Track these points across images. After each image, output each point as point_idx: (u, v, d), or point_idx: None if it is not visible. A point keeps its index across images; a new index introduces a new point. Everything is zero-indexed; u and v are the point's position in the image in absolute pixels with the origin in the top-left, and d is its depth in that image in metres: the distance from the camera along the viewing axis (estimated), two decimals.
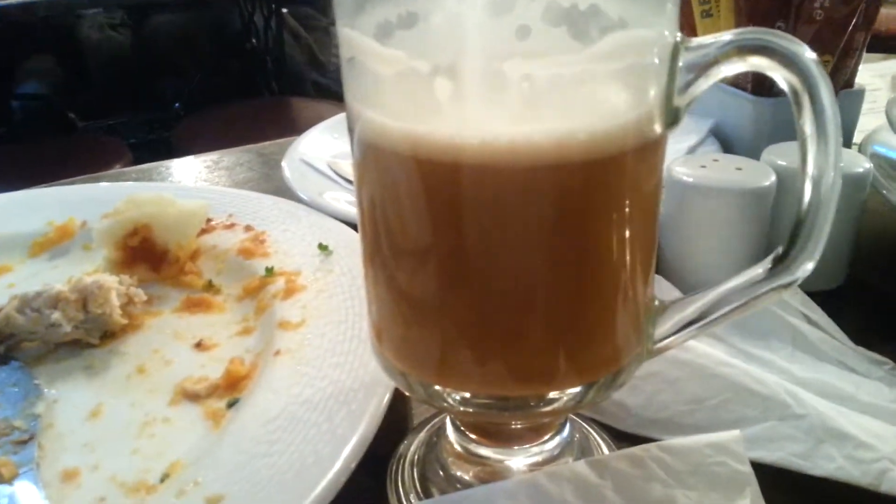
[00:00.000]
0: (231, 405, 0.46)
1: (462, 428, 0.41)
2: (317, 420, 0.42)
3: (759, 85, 0.71)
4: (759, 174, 0.54)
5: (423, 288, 0.34)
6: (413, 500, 0.40)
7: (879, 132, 0.70)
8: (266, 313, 0.55)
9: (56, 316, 0.52)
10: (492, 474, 0.40)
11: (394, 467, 0.42)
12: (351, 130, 0.34)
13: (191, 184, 0.89)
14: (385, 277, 0.35)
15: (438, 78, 0.29)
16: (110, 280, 0.55)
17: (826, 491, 0.40)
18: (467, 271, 0.32)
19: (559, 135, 0.29)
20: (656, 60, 0.31)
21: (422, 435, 0.44)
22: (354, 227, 0.63)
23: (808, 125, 0.30)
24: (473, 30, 0.29)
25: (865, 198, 0.56)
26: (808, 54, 0.29)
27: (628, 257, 0.34)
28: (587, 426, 0.45)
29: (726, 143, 0.76)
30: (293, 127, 1.21)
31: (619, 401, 0.45)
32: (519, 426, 0.40)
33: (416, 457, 0.43)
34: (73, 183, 0.84)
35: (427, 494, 0.40)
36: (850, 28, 0.68)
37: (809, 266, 0.32)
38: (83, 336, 0.54)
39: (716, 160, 0.56)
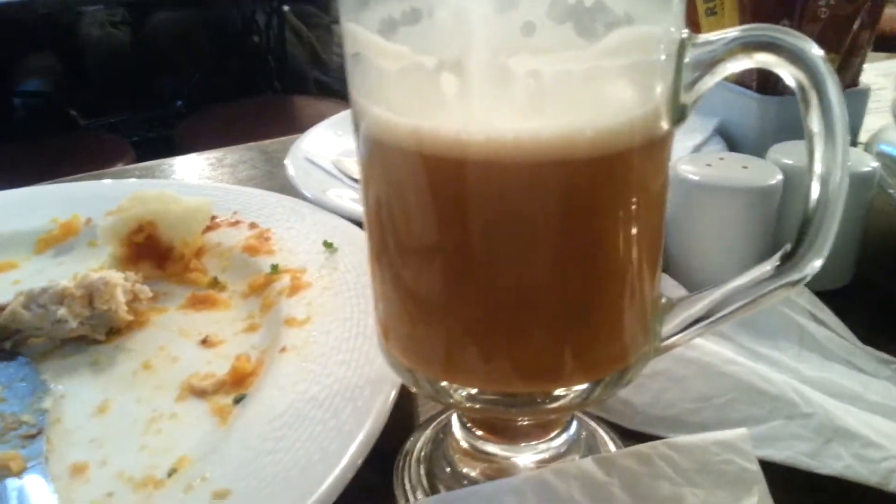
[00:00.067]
0: (237, 401, 0.47)
1: (469, 425, 0.41)
2: (323, 417, 0.42)
3: (765, 83, 0.71)
4: (765, 173, 0.54)
5: (429, 284, 0.34)
6: (420, 497, 0.40)
7: (885, 131, 0.70)
8: (272, 310, 0.55)
9: (62, 312, 0.52)
10: (498, 471, 0.40)
11: (400, 464, 0.42)
12: (356, 127, 0.34)
13: (194, 181, 0.89)
14: (391, 274, 0.35)
15: (444, 73, 0.29)
16: (116, 276, 0.55)
17: (834, 490, 0.39)
18: (473, 268, 0.32)
19: (566, 131, 0.29)
20: (663, 57, 0.31)
21: (428, 432, 0.44)
22: (359, 224, 0.63)
23: (815, 122, 0.30)
24: (479, 25, 0.29)
25: (872, 197, 0.56)
26: (816, 51, 0.29)
27: (635, 254, 0.34)
28: (594, 424, 0.45)
29: (731, 141, 0.76)
30: (295, 125, 1.21)
31: (626, 399, 0.45)
32: (526, 423, 0.40)
33: (422, 453, 0.43)
34: (76, 180, 0.84)
35: (433, 491, 0.40)
36: (855, 26, 0.68)
37: (818, 263, 0.32)
38: (89, 332, 0.54)
39: (721, 159, 0.56)
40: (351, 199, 0.71)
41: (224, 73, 2.94)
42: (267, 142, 0.99)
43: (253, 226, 0.66)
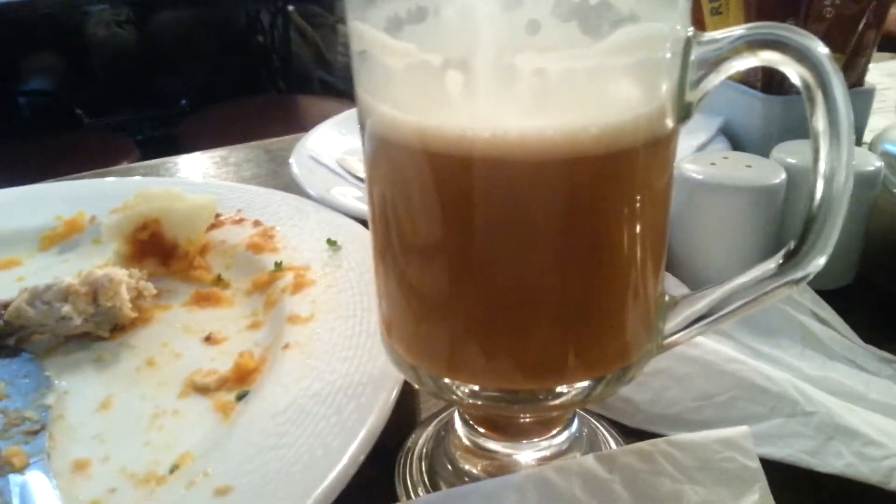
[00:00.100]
0: (240, 398, 0.47)
1: (470, 422, 0.41)
2: (325, 413, 0.42)
3: (769, 83, 0.71)
4: (769, 172, 0.54)
5: (433, 282, 0.34)
6: (421, 494, 0.40)
7: (890, 131, 0.70)
8: (275, 308, 0.55)
9: (66, 309, 0.53)
10: (500, 468, 0.40)
11: (402, 461, 0.42)
12: (362, 125, 0.34)
13: (199, 179, 0.89)
14: (396, 271, 0.36)
15: (450, 71, 0.29)
16: (120, 273, 0.55)
17: (835, 488, 0.40)
18: (478, 265, 0.32)
19: (571, 128, 0.29)
20: (668, 55, 0.31)
21: (430, 429, 0.44)
22: (363, 222, 0.63)
23: (820, 121, 0.30)
24: (484, 23, 0.29)
25: (875, 196, 0.56)
26: (821, 49, 0.29)
27: (639, 252, 0.34)
28: (595, 421, 0.45)
29: (735, 141, 0.76)
30: (299, 124, 1.21)
31: (627, 397, 0.45)
32: (527, 420, 0.40)
33: (424, 450, 0.43)
34: (81, 178, 0.84)
35: (435, 488, 0.40)
36: (861, 26, 0.68)
37: (821, 261, 0.32)
38: (93, 329, 0.54)
39: (725, 158, 0.56)
40: (355, 198, 0.71)
41: (228, 72, 2.94)
42: (271, 140, 0.99)
43: (257, 224, 0.66)
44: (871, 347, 0.49)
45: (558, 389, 0.34)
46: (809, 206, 0.31)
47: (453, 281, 0.33)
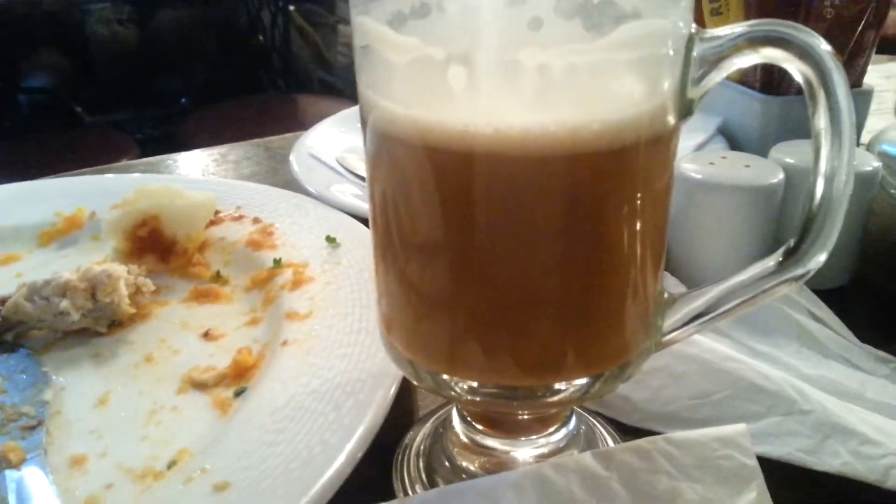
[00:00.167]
0: (238, 394, 0.47)
1: (468, 418, 0.41)
2: (324, 410, 0.42)
3: (768, 83, 0.71)
4: (767, 172, 0.54)
5: (433, 278, 0.34)
6: (418, 491, 0.40)
7: (887, 132, 0.70)
8: (274, 304, 0.55)
9: (64, 304, 0.52)
10: (498, 465, 0.40)
11: (400, 457, 0.42)
12: (364, 121, 0.34)
13: (199, 177, 0.89)
14: (396, 266, 0.36)
15: (452, 67, 0.29)
16: (119, 269, 0.55)
17: (832, 486, 0.40)
18: (478, 261, 0.32)
19: (573, 124, 0.29)
20: (671, 51, 0.31)
21: (428, 426, 0.44)
22: (362, 220, 0.63)
23: (822, 118, 0.30)
24: (487, 19, 0.29)
25: (872, 197, 0.56)
26: (824, 46, 0.29)
27: (639, 249, 0.34)
28: (593, 419, 0.45)
29: (734, 141, 0.76)
30: (299, 124, 1.21)
31: (625, 395, 0.45)
32: (525, 417, 0.40)
33: (422, 447, 0.43)
34: (80, 175, 0.84)
35: (433, 485, 0.40)
36: (860, 26, 0.68)
37: (821, 258, 0.32)
38: (91, 325, 0.54)
39: (724, 157, 0.56)
40: (354, 195, 0.71)
41: (229, 71, 2.95)
42: (270, 138, 0.99)
43: (256, 221, 0.66)
44: (867, 347, 0.49)
45: (557, 386, 0.34)
46: (810, 203, 0.31)
47: (453, 277, 0.33)
